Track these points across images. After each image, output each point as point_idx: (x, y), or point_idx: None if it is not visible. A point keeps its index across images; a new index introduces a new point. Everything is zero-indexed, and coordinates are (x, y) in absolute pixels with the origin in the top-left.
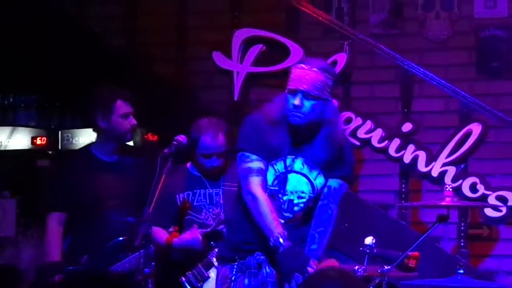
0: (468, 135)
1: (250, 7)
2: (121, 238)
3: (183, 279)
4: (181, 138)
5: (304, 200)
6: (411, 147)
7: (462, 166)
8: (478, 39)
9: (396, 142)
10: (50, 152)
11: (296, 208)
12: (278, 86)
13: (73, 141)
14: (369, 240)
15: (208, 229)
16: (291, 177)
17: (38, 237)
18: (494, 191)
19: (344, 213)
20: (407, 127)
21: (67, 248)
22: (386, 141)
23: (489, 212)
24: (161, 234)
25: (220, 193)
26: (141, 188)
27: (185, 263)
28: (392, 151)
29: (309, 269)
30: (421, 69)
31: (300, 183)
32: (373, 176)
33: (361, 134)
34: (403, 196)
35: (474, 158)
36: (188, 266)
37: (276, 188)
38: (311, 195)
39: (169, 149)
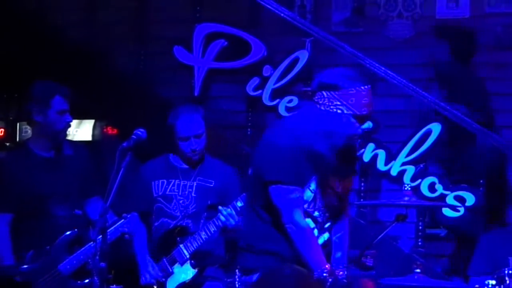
0: (427, 134)
1: (212, 2)
2: (68, 232)
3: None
4: (140, 131)
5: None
6: (370, 146)
7: (421, 166)
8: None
9: None
10: (7, 144)
11: (325, 220)
12: (239, 82)
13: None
14: None
15: (171, 224)
16: (325, 192)
17: None
18: (452, 191)
19: None
20: (367, 125)
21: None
22: None
23: (447, 212)
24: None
25: (194, 186)
26: (83, 179)
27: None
28: None
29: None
30: (382, 68)
31: (329, 195)
32: None
33: None
34: (362, 194)
35: (434, 157)
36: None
37: (311, 209)
38: (335, 204)
39: (128, 142)
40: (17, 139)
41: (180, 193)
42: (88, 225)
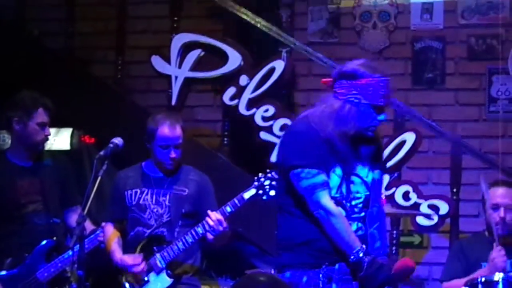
0: (402, 144)
1: (189, 13)
2: (45, 242)
3: (123, 280)
4: (117, 140)
5: (361, 200)
6: None
7: (396, 175)
8: (414, 50)
9: None
10: None
11: (356, 210)
12: (216, 91)
13: (9, 142)
14: None
15: (146, 233)
16: (349, 180)
17: None
18: (426, 200)
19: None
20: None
21: None
22: None
23: (421, 220)
24: (107, 233)
25: (167, 195)
26: (62, 189)
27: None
28: None
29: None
30: None
31: (356, 184)
32: None
33: None
34: None
35: (408, 166)
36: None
37: (338, 195)
38: (366, 193)
39: (105, 151)
40: None
41: (153, 202)
42: (67, 233)
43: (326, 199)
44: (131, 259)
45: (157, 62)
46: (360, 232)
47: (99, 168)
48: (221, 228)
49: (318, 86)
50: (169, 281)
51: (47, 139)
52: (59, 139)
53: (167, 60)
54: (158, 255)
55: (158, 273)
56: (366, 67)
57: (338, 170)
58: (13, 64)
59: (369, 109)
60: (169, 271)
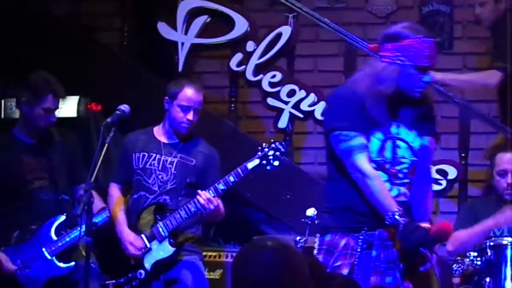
0: None
1: None
2: (57, 217)
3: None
4: (124, 107)
5: (406, 165)
6: None
7: None
8: (421, 14)
9: None
10: None
11: (400, 175)
12: (222, 57)
13: (16, 110)
14: (310, 211)
15: (147, 202)
16: (392, 144)
17: None
18: (434, 165)
19: (286, 184)
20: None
21: None
22: None
23: None
24: (113, 196)
25: (175, 162)
26: (70, 165)
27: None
28: None
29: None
30: (365, 43)
31: (401, 148)
32: (316, 149)
33: (304, 106)
34: None
35: None
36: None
37: (380, 159)
38: (413, 158)
39: (112, 118)
40: (2, 116)
41: (160, 168)
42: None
43: (363, 162)
44: (133, 239)
45: (164, 28)
46: (402, 198)
47: (106, 135)
48: (212, 207)
49: (325, 51)
50: (171, 249)
51: (52, 124)
52: (66, 107)
53: (174, 26)
54: (160, 223)
55: (160, 241)
56: (409, 28)
57: (379, 134)
58: (18, 31)
59: (414, 70)
60: (171, 240)
